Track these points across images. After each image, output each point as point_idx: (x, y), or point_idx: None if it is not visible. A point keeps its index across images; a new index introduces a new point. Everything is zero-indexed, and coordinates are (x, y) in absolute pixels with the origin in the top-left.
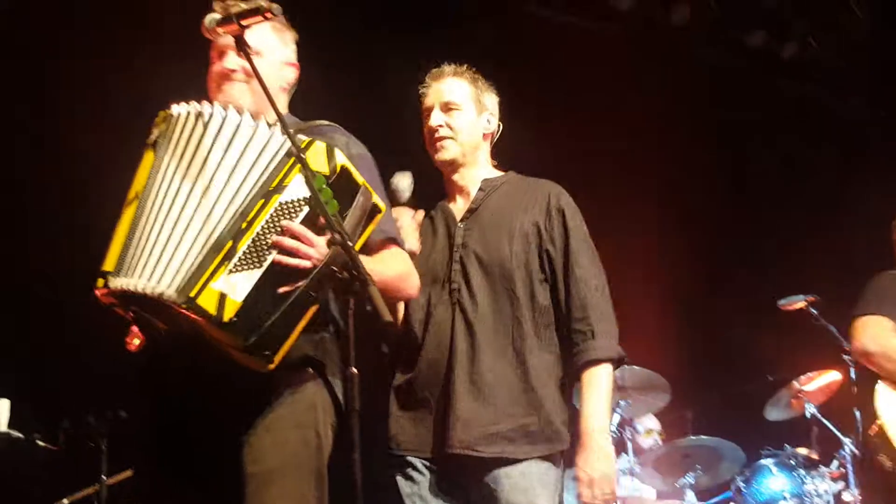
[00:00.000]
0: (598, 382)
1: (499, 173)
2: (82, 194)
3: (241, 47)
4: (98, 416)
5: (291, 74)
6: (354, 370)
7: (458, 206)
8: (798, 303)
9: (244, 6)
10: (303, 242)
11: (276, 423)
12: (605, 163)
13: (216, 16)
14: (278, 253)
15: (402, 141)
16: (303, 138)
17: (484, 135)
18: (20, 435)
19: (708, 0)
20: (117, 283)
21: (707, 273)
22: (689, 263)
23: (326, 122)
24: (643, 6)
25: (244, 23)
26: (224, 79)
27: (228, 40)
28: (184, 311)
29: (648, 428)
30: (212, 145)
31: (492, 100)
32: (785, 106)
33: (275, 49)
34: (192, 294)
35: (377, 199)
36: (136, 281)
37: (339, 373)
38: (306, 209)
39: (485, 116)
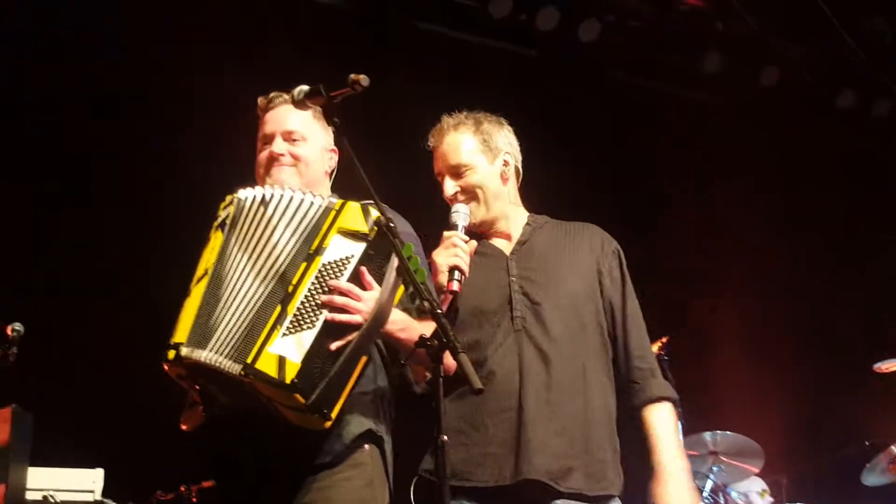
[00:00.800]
0: (668, 417)
1: (526, 211)
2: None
3: (329, 118)
4: (189, 485)
5: (333, 160)
6: (445, 437)
7: (503, 243)
8: (894, 365)
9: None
10: (351, 299)
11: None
12: (696, 228)
13: (304, 88)
14: (329, 311)
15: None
16: (334, 201)
17: (504, 179)
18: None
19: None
20: (184, 352)
21: (801, 336)
22: (783, 327)
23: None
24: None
25: (333, 94)
26: (273, 162)
27: (276, 126)
28: (245, 378)
29: (763, 489)
30: (268, 223)
31: (504, 137)
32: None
33: (318, 135)
34: (249, 360)
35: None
36: (199, 353)
37: (389, 442)
38: (351, 266)
39: (499, 161)
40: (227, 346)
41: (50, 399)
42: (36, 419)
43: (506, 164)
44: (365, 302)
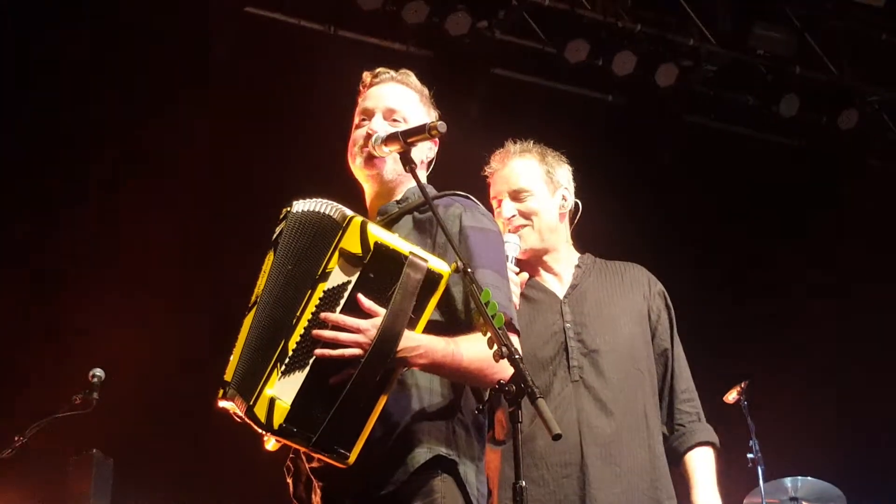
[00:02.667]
0: (710, 462)
1: (577, 253)
2: None
3: (406, 164)
4: None
5: (433, 150)
6: (523, 483)
7: (554, 284)
8: None
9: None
10: (345, 330)
11: None
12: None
13: (381, 135)
14: (321, 346)
15: None
16: (348, 213)
17: (561, 215)
18: None
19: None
20: (221, 403)
21: (878, 379)
22: (860, 369)
23: (460, 193)
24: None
25: (410, 140)
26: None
27: (377, 101)
28: (247, 421)
29: None
30: (297, 241)
31: (565, 174)
32: None
33: (421, 119)
34: (251, 403)
35: (435, 266)
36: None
37: (472, 468)
38: (347, 294)
39: (559, 195)
40: (240, 386)
41: (129, 443)
42: (116, 464)
43: (564, 199)
44: (364, 332)
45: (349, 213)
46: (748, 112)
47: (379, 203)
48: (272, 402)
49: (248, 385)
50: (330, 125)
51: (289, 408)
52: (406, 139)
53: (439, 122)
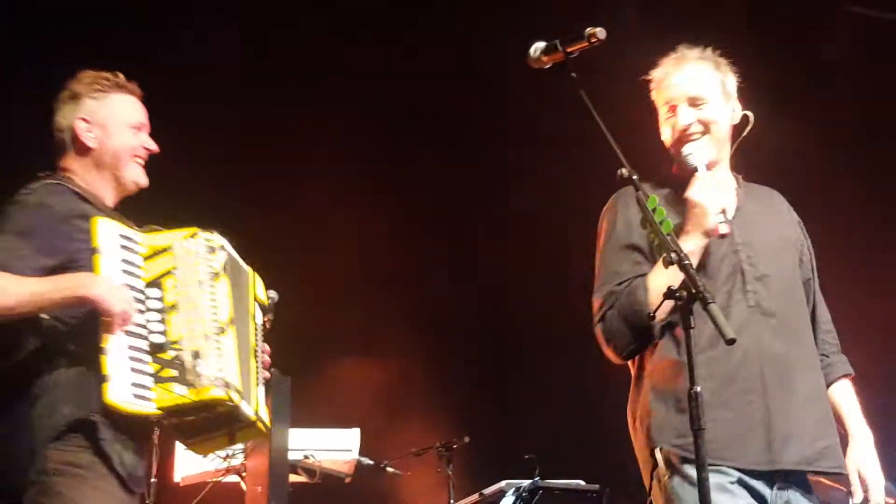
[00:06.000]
0: (852, 392)
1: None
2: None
3: (566, 75)
4: (443, 443)
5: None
6: (698, 388)
7: None
8: None
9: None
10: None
11: None
12: None
13: (540, 45)
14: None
15: None
16: (247, 268)
17: (731, 126)
18: (370, 461)
19: None
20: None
21: None
22: None
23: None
24: None
25: (569, 50)
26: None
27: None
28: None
29: None
30: (236, 277)
31: (734, 84)
32: None
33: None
34: (256, 409)
35: None
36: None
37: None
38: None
39: (730, 105)
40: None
41: (307, 363)
42: (294, 382)
43: (734, 110)
44: None
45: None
46: None
47: None
48: (262, 407)
49: (249, 394)
50: None
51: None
52: (566, 47)
53: (599, 29)
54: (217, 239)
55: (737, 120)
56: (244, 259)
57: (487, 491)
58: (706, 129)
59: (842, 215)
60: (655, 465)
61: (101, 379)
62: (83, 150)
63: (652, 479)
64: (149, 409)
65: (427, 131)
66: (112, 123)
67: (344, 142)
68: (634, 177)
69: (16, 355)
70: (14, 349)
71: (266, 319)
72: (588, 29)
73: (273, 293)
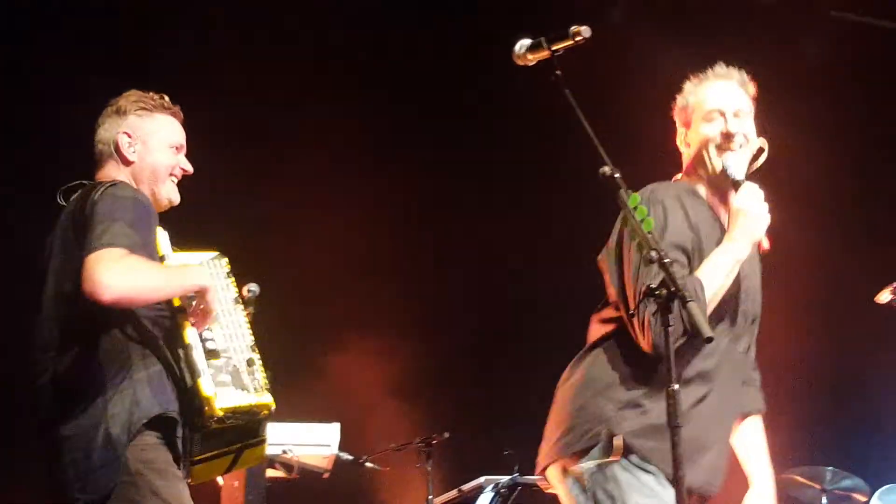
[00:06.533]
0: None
1: None
2: None
3: (552, 72)
4: (423, 438)
5: None
6: (676, 386)
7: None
8: None
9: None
10: None
11: None
12: None
13: (525, 42)
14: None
15: None
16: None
17: None
18: (350, 457)
19: None
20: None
21: None
22: None
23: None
24: None
25: (555, 48)
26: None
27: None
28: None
29: None
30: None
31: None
32: None
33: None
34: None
35: None
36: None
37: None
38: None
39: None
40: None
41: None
42: (274, 376)
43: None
44: None
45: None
46: None
47: None
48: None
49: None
50: None
51: None
52: (551, 45)
53: (584, 27)
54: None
55: (755, 149)
56: (228, 253)
57: (466, 486)
58: (745, 142)
59: (828, 217)
60: (604, 446)
61: (193, 374)
62: (124, 162)
63: (582, 455)
64: (223, 406)
65: (407, 121)
66: (153, 141)
67: (320, 137)
68: (617, 175)
69: (100, 346)
70: (98, 340)
71: (247, 313)
72: (573, 27)
73: (254, 286)
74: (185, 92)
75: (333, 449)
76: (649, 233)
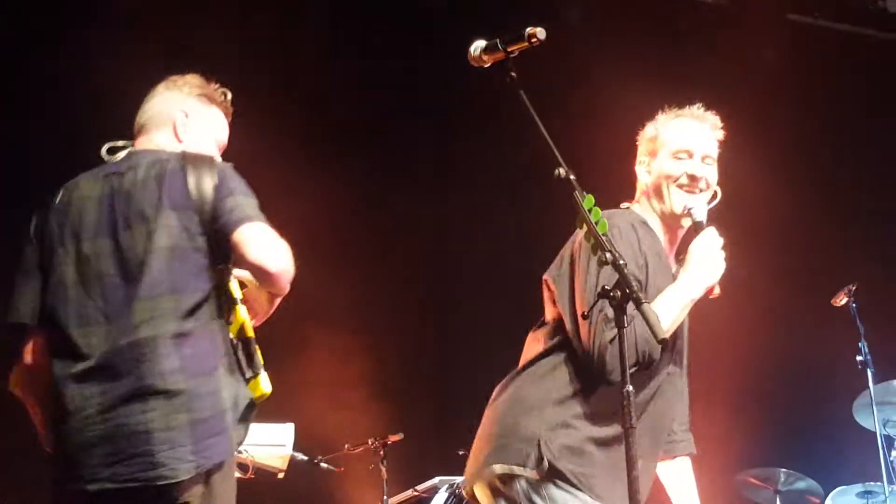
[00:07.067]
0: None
1: None
2: None
3: (505, 75)
4: (377, 438)
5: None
6: (631, 388)
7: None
8: None
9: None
10: None
11: None
12: None
13: (481, 43)
14: None
15: None
16: None
17: None
18: (304, 457)
19: None
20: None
21: None
22: None
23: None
24: None
25: (510, 49)
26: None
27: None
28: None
29: None
30: None
31: None
32: None
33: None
34: None
35: None
36: None
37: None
38: None
39: None
40: None
41: None
42: None
43: None
44: None
45: None
46: None
47: None
48: None
49: None
50: None
51: None
52: (506, 47)
53: (539, 29)
54: None
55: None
56: None
57: (421, 487)
58: (707, 188)
59: (786, 223)
60: (536, 459)
61: (254, 368)
62: (175, 138)
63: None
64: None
65: (360, 114)
66: (202, 129)
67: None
68: (572, 177)
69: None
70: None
71: None
72: (528, 29)
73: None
74: None
75: (288, 449)
76: (604, 234)
